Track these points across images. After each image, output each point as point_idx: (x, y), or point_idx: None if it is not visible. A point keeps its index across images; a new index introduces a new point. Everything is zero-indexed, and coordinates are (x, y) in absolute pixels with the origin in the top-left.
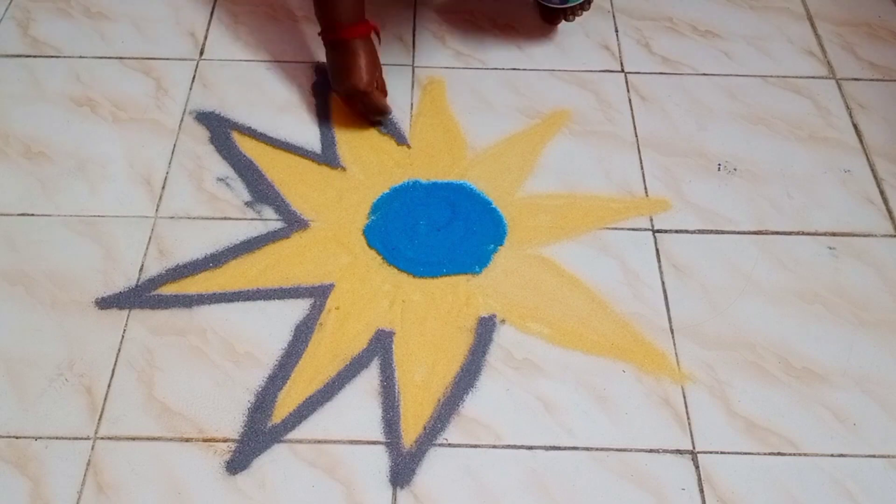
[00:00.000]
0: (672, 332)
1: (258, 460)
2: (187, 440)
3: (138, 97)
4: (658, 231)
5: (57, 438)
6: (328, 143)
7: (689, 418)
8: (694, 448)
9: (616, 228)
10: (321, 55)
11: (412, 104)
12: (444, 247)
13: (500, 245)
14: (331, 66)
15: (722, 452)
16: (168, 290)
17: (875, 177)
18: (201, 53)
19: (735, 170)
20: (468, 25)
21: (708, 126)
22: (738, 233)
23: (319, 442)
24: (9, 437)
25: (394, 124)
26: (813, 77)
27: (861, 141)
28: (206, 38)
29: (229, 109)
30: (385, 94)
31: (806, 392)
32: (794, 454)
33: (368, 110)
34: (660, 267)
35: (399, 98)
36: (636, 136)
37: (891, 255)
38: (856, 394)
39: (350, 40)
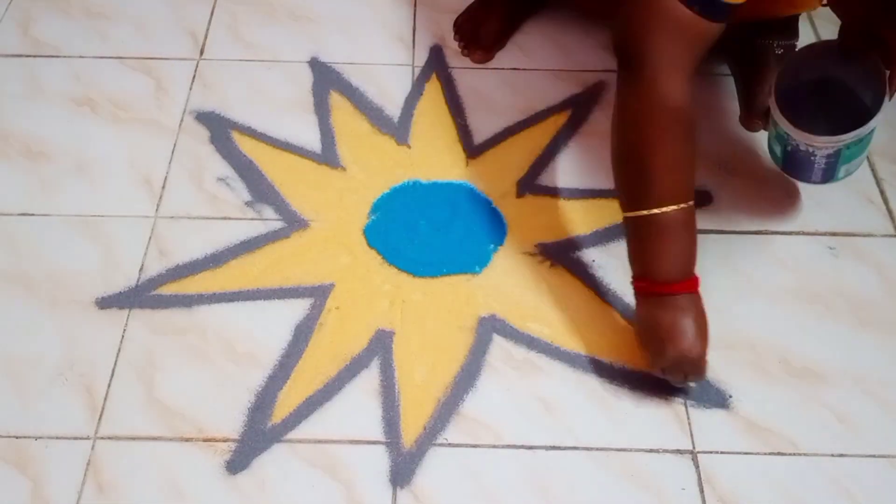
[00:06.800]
0: None
1: (258, 460)
2: (187, 440)
3: (138, 97)
4: None
5: (57, 438)
6: (328, 143)
7: (689, 418)
8: (694, 448)
9: (616, 228)
10: (321, 55)
11: (412, 104)
12: (444, 247)
13: (500, 245)
14: (647, 325)
15: (722, 452)
16: (168, 289)
17: (875, 177)
18: (201, 53)
19: (735, 170)
20: None
21: (708, 126)
22: (738, 233)
23: (319, 442)
24: (9, 437)
25: (394, 124)
26: None
27: None
28: (206, 38)
29: (229, 109)
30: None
31: (806, 392)
32: (794, 454)
33: (689, 377)
34: None
35: (399, 98)
36: None
37: (891, 255)
38: (856, 394)
39: (675, 296)
